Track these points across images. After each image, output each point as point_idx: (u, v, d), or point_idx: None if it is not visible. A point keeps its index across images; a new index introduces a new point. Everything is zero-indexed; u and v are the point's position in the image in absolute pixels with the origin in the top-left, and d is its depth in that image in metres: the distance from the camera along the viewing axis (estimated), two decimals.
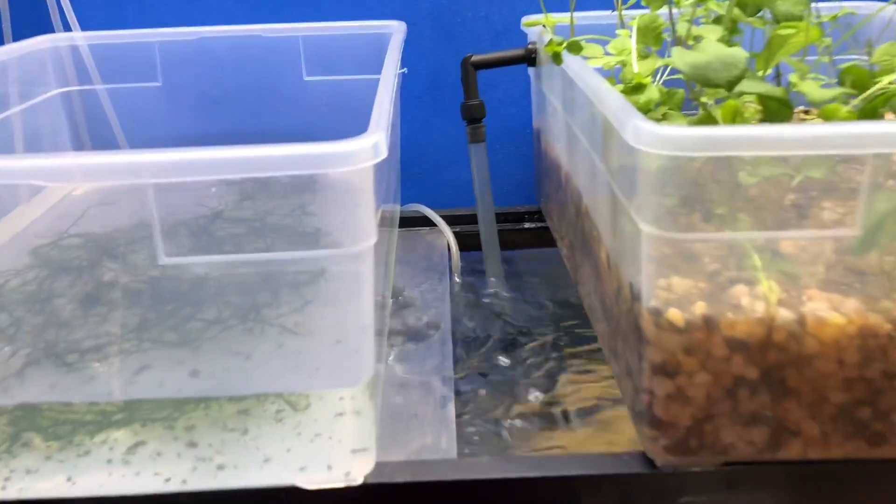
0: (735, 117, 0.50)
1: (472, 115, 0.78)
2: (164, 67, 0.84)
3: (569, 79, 0.61)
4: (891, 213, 0.42)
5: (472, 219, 0.83)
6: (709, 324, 0.43)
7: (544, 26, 0.74)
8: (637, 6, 0.63)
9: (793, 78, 0.50)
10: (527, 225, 0.90)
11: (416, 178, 0.94)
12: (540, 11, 0.77)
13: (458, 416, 0.57)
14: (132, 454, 0.47)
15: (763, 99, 0.49)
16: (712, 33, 0.51)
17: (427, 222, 0.87)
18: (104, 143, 0.87)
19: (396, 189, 0.86)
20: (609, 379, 0.63)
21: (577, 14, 0.72)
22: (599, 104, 0.49)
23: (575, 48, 0.60)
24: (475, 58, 0.77)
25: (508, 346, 0.70)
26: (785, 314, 0.43)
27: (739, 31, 0.58)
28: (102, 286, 0.56)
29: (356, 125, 0.52)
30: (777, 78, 0.67)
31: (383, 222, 0.64)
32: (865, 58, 0.61)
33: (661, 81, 0.68)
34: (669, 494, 0.47)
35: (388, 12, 0.87)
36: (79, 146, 0.87)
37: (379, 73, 0.61)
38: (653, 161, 0.42)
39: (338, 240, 0.44)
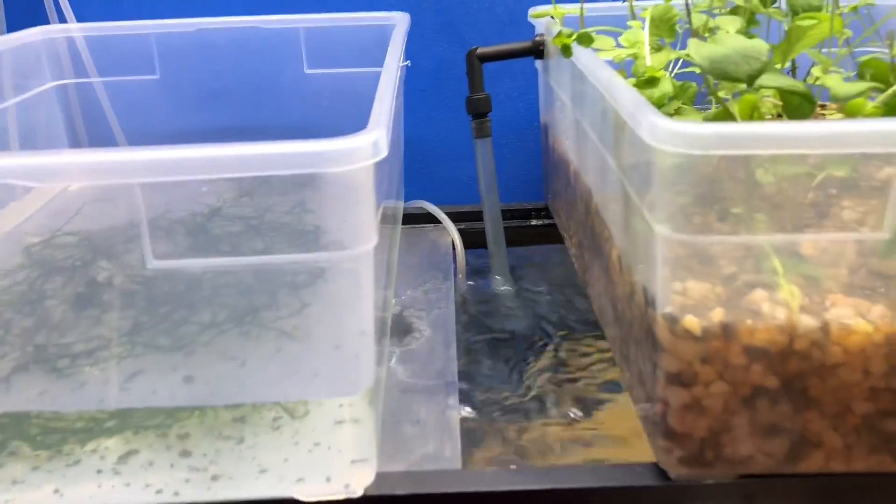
0: (753, 113, 0.48)
1: (478, 110, 0.76)
2: (161, 60, 0.82)
3: (578, 72, 0.59)
4: None
5: (478, 216, 0.81)
6: (727, 331, 0.41)
7: (553, 17, 0.71)
8: None
9: (816, 71, 0.47)
10: (534, 222, 0.88)
11: (419, 173, 0.92)
12: (548, 2, 0.75)
13: None
14: (123, 464, 0.45)
15: (784, 94, 0.46)
16: (731, 24, 0.49)
17: (431, 219, 0.85)
18: (101, 137, 0.85)
19: (399, 185, 0.84)
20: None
21: (587, 5, 0.69)
22: (612, 99, 0.47)
23: (585, 40, 0.58)
24: (480, 50, 0.75)
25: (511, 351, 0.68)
26: (807, 321, 0.41)
27: (758, 23, 0.56)
28: (95, 287, 0.54)
29: (359, 120, 0.50)
30: (793, 71, 0.64)
31: (385, 220, 0.62)
32: (885, 50, 0.58)
33: (673, 75, 0.66)
34: None
35: (392, 3, 0.85)
36: (75, 140, 0.85)
37: (381, 65, 0.58)
38: (668, 158, 0.40)
39: (336, 241, 0.42)
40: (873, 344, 0.41)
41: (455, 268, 0.80)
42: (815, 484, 0.44)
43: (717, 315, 0.41)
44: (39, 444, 0.46)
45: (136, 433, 0.47)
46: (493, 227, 0.79)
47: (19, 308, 0.53)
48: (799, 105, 0.46)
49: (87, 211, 0.71)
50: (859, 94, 0.44)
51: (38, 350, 0.49)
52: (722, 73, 0.42)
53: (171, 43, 0.82)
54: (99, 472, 0.45)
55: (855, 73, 0.53)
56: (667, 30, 0.55)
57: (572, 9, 0.70)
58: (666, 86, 0.54)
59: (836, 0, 0.52)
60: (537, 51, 0.75)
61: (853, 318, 0.41)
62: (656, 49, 0.55)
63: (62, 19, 0.83)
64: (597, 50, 0.59)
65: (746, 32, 0.53)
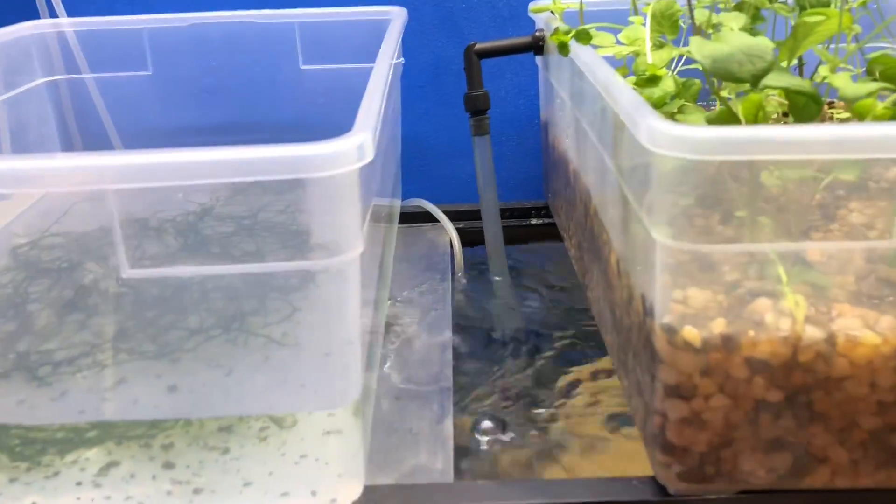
0: (758, 113, 0.46)
1: (476, 107, 0.75)
2: (154, 55, 0.81)
3: (577, 69, 0.57)
4: None
5: (476, 214, 0.80)
6: (728, 343, 0.39)
7: (552, 13, 0.69)
8: None
9: (823, 70, 0.45)
10: (534, 221, 0.87)
11: (417, 171, 0.90)
12: None
13: None
14: (104, 476, 0.44)
15: (790, 93, 0.44)
16: (734, 21, 0.47)
17: (429, 218, 0.83)
18: (93, 134, 0.83)
19: (396, 183, 0.83)
20: None
21: (587, 0, 0.67)
22: (610, 99, 0.45)
23: (583, 37, 0.56)
24: (479, 46, 0.73)
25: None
26: (812, 332, 0.39)
27: (763, 19, 0.54)
28: (80, 291, 0.53)
29: (354, 115, 0.48)
30: (800, 68, 0.63)
31: (379, 219, 0.60)
32: (895, 46, 0.57)
33: (676, 71, 0.64)
34: None
35: None
36: (67, 138, 0.84)
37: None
38: (667, 162, 0.38)
39: (322, 246, 0.40)
40: (881, 356, 0.39)
41: (453, 268, 0.78)
42: (820, 500, 0.43)
43: (719, 326, 0.40)
44: (18, 456, 0.45)
45: (118, 444, 0.45)
46: (491, 226, 0.78)
47: (2, 312, 0.52)
48: (805, 105, 0.45)
49: (76, 211, 0.70)
50: (868, 95, 0.42)
51: (20, 357, 0.48)
52: (725, 72, 0.40)
53: (164, 38, 0.80)
54: (79, 484, 0.44)
55: (864, 70, 0.51)
56: (669, 26, 0.53)
57: (573, 3, 0.68)
58: (668, 84, 0.52)
59: None
60: (537, 46, 0.74)
61: (860, 329, 0.39)
62: (658, 46, 0.53)
63: (52, 14, 0.82)
64: (596, 46, 0.57)
65: (751, 29, 0.51)
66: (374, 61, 0.58)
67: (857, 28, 0.55)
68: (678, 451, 0.42)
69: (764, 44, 0.40)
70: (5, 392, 0.46)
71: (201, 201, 0.66)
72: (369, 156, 0.37)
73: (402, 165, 0.88)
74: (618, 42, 0.56)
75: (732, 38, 0.41)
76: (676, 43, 0.55)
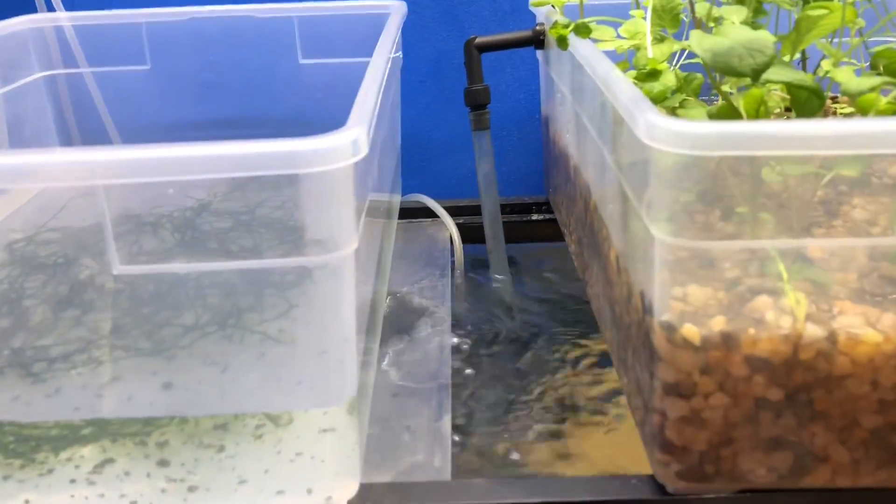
0: (759, 107, 0.45)
1: (476, 101, 0.74)
2: (152, 49, 0.80)
3: (577, 63, 0.56)
4: None
5: (477, 210, 0.79)
6: (728, 341, 0.39)
7: (553, 6, 0.69)
8: None
9: (825, 65, 0.45)
10: (534, 217, 0.86)
11: (417, 166, 0.90)
12: None
13: None
14: (98, 473, 0.44)
15: (792, 88, 0.44)
16: (735, 15, 0.46)
17: (429, 213, 0.83)
18: (91, 129, 0.83)
19: (396, 178, 0.82)
20: None
21: None
22: (609, 94, 0.44)
23: (583, 31, 0.56)
24: (479, 40, 0.73)
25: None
26: (813, 330, 0.39)
27: (765, 13, 0.53)
28: (76, 287, 0.52)
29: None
30: (803, 62, 0.62)
31: (376, 215, 0.60)
32: None
33: (678, 65, 0.64)
34: None
35: None
36: (65, 132, 0.83)
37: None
38: (666, 157, 0.38)
39: (316, 242, 0.40)
40: (883, 354, 0.39)
41: (453, 264, 0.78)
42: (820, 499, 0.42)
43: (718, 323, 0.39)
44: (12, 453, 0.45)
45: (113, 441, 0.45)
46: (491, 222, 0.78)
47: None
48: (807, 100, 0.44)
49: (72, 206, 0.69)
50: (871, 89, 0.42)
51: (14, 353, 0.48)
52: (726, 66, 0.40)
53: (162, 32, 0.80)
54: (73, 481, 0.43)
55: (868, 64, 0.50)
56: (670, 20, 0.53)
57: None
58: (668, 79, 0.52)
59: None
60: (538, 40, 0.73)
61: (862, 327, 0.39)
62: (659, 40, 0.53)
63: (50, 8, 0.81)
64: (596, 40, 0.56)
65: (752, 23, 0.51)
66: (373, 55, 0.58)
67: (861, 22, 0.55)
68: (677, 449, 0.41)
69: (765, 38, 0.40)
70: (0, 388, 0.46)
71: (199, 197, 0.66)
72: (364, 151, 0.36)
73: (402, 160, 0.88)
74: (618, 36, 0.55)
75: (733, 32, 0.41)
76: (678, 37, 0.54)
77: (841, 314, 0.40)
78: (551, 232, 0.82)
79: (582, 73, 0.55)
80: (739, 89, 0.50)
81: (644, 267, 0.42)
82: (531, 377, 0.64)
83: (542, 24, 0.72)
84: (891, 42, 0.54)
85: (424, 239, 0.81)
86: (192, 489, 0.43)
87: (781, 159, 0.40)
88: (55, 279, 0.55)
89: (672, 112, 0.51)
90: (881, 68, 0.49)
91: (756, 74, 0.39)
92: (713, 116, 0.48)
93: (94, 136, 0.83)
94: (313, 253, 0.39)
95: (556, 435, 0.57)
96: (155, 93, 0.83)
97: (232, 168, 0.34)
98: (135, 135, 0.84)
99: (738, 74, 0.39)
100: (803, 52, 0.61)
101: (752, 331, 0.39)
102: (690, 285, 0.41)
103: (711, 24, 0.51)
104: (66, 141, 0.84)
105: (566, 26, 0.58)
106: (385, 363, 0.60)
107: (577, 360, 0.66)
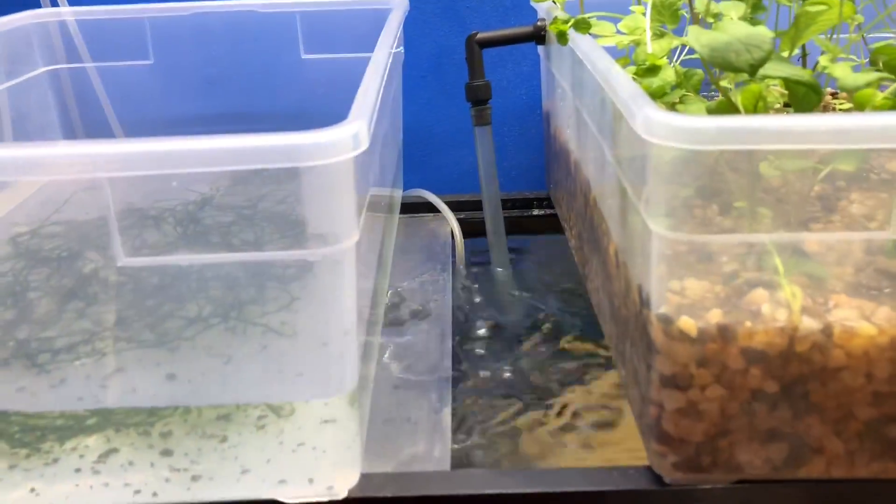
0: (758, 103, 0.46)
1: (478, 97, 0.75)
2: (155, 44, 0.81)
3: (577, 59, 0.57)
4: None
5: (478, 205, 0.80)
6: (724, 334, 0.39)
7: (554, 2, 0.69)
8: None
9: (823, 60, 0.45)
10: (535, 212, 0.87)
11: (419, 161, 0.90)
12: None
13: None
14: (102, 463, 0.44)
15: (789, 83, 0.44)
16: (734, 10, 0.47)
17: (430, 208, 0.83)
18: (95, 123, 0.84)
19: (397, 173, 0.83)
20: None
21: None
22: (608, 89, 0.45)
23: (582, 27, 0.56)
24: (480, 35, 0.73)
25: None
26: (809, 323, 0.39)
27: (764, 8, 0.53)
28: (80, 279, 0.53)
29: None
30: (803, 58, 0.62)
31: (377, 209, 0.60)
32: None
33: (678, 61, 0.64)
34: None
35: None
36: (69, 127, 0.84)
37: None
38: (665, 152, 0.38)
39: (317, 235, 0.40)
40: (877, 347, 0.39)
41: (454, 258, 0.78)
42: (816, 490, 0.43)
43: (715, 316, 0.40)
44: (17, 442, 0.45)
45: (117, 431, 0.46)
46: (492, 216, 0.78)
47: (2, 300, 0.52)
48: (804, 95, 0.44)
49: (77, 199, 0.70)
50: (868, 85, 0.42)
51: (19, 344, 0.48)
52: (723, 62, 0.40)
53: (165, 27, 0.80)
54: (77, 470, 0.44)
55: (868, 60, 0.51)
56: (669, 15, 0.53)
57: None
58: (668, 74, 0.52)
59: None
60: (539, 36, 0.73)
61: (857, 320, 0.39)
62: (658, 35, 0.53)
63: (54, 3, 0.82)
64: (597, 36, 0.57)
65: (751, 18, 0.51)
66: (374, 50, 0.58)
67: (860, 18, 0.55)
68: (674, 441, 0.42)
69: (762, 33, 0.40)
70: (5, 379, 0.47)
71: (201, 191, 0.66)
72: (364, 144, 0.36)
73: (404, 156, 0.88)
74: (618, 31, 0.55)
75: (731, 28, 0.41)
76: (678, 32, 0.54)
77: (836, 307, 0.40)
78: (552, 226, 0.82)
79: (582, 68, 0.55)
80: (737, 85, 0.50)
81: (642, 261, 0.43)
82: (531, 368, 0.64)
83: (544, 19, 0.73)
84: (890, 38, 0.55)
85: (426, 233, 0.82)
86: (195, 478, 0.44)
87: (779, 154, 0.40)
88: (59, 272, 0.56)
89: (672, 107, 0.52)
90: (881, 64, 0.49)
91: (753, 70, 0.39)
92: (711, 112, 0.49)
93: (97, 130, 0.84)
94: (315, 246, 0.39)
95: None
96: (157, 87, 0.83)
97: (234, 161, 0.35)
98: (137, 129, 0.84)
99: (736, 70, 0.40)
100: (803, 48, 0.62)
101: (748, 323, 0.39)
102: (688, 279, 0.41)
103: (710, 20, 0.51)
104: (70, 135, 0.84)
105: (566, 22, 0.58)
106: (386, 356, 0.61)
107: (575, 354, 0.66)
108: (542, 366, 0.63)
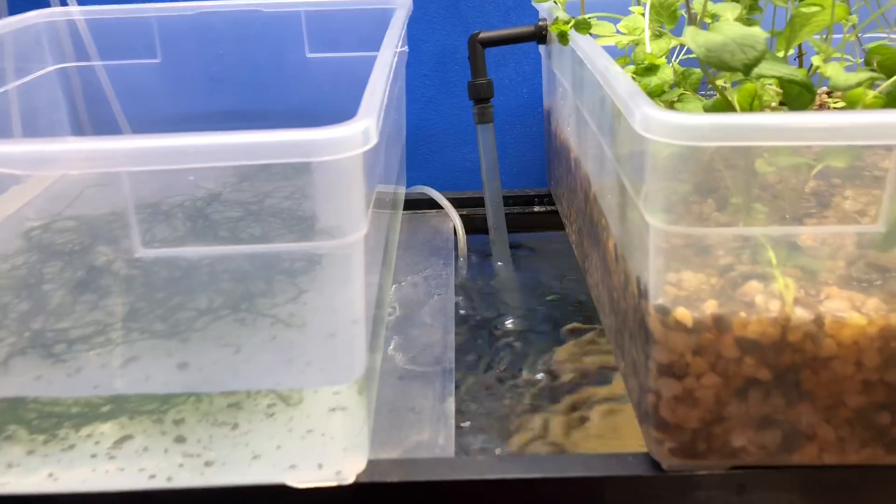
0: (753, 101, 0.47)
1: (480, 95, 0.76)
2: (163, 43, 0.82)
3: (578, 58, 0.58)
4: None
5: (480, 202, 0.81)
6: (719, 324, 0.41)
7: (555, 2, 0.70)
8: None
9: (815, 60, 0.47)
10: (536, 208, 0.88)
11: (422, 159, 0.92)
12: None
13: None
14: (118, 449, 0.46)
15: (783, 82, 0.46)
16: (730, 11, 0.48)
17: (433, 205, 0.85)
18: (103, 121, 0.85)
19: (401, 170, 0.84)
20: None
21: None
22: (607, 87, 0.46)
23: (583, 27, 0.57)
24: (483, 35, 0.74)
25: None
26: (801, 314, 0.41)
27: (760, 9, 0.55)
28: (93, 272, 0.54)
29: (360, 103, 0.49)
30: (800, 58, 0.64)
31: (382, 206, 0.62)
32: (894, 35, 0.57)
33: (677, 60, 0.65)
34: (675, 498, 0.45)
35: None
36: (77, 124, 0.85)
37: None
38: (662, 149, 0.39)
39: (327, 229, 0.42)
40: (867, 337, 0.41)
41: (456, 254, 0.80)
42: (808, 476, 0.44)
43: (710, 307, 0.41)
44: (35, 429, 0.47)
45: (131, 418, 0.47)
46: (494, 213, 0.79)
47: (17, 292, 0.54)
48: (798, 94, 0.46)
49: (87, 195, 0.71)
50: (858, 84, 0.43)
51: (36, 335, 0.50)
52: (718, 61, 0.41)
53: (173, 26, 0.82)
54: (93, 456, 0.45)
55: (863, 59, 0.52)
56: (668, 15, 0.54)
57: None
58: (666, 73, 0.54)
59: None
60: (540, 35, 0.75)
61: (847, 310, 0.41)
62: (657, 35, 0.55)
63: (63, 2, 0.83)
64: (597, 36, 0.58)
65: (747, 19, 0.53)
66: (379, 49, 0.59)
67: (854, 18, 0.56)
68: (671, 427, 0.43)
69: (756, 34, 0.41)
70: (22, 368, 0.48)
71: (209, 187, 0.68)
72: (373, 140, 0.38)
73: (407, 153, 0.90)
74: (618, 31, 0.57)
75: (726, 28, 0.42)
76: (676, 33, 0.56)
77: (828, 299, 0.41)
78: (552, 223, 0.83)
79: (582, 67, 0.56)
80: (734, 84, 0.52)
81: (641, 254, 0.44)
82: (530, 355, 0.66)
83: (545, 19, 0.74)
84: (884, 38, 0.56)
85: (429, 229, 0.83)
86: (208, 464, 0.45)
87: (773, 150, 0.42)
88: (72, 265, 0.57)
89: (670, 105, 0.53)
90: (875, 64, 0.50)
91: (747, 69, 0.41)
92: (708, 110, 0.50)
93: (105, 127, 0.85)
94: (324, 238, 0.41)
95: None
96: (165, 85, 0.84)
97: (249, 156, 0.36)
98: (145, 126, 0.86)
99: (731, 69, 0.41)
100: (800, 48, 0.63)
101: (742, 314, 0.41)
102: (684, 271, 0.43)
103: (708, 20, 0.52)
104: (78, 132, 0.86)
105: (567, 22, 0.59)
106: (391, 348, 0.62)
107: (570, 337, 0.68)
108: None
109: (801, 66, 0.62)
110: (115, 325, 0.50)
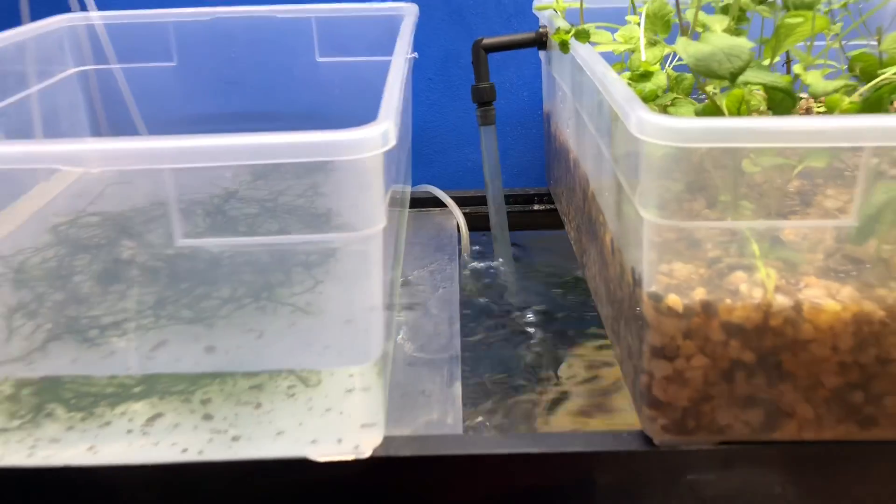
0: (741, 106, 0.51)
1: (483, 98, 0.79)
2: (178, 47, 0.85)
3: (577, 65, 0.62)
4: (887, 203, 0.43)
5: (482, 200, 0.84)
6: (707, 309, 0.45)
7: (555, 10, 0.74)
8: None
9: (797, 68, 0.50)
10: (536, 207, 0.91)
11: (426, 159, 0.95)
12: None
13: None
14: (150, 426, 0.49)
15: (767, 89, 0.49)
16: (718, 23, 0.52)
17: (438, 203, 0.88)
18: (120, 121, 0.88)
19: (407, 170, 0.88)
20: None
21: None
22: (605, 93, 0.50)
23: (583, 36, 0.61)
24: (486, 41, 0.78)
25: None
26: (782, 300, 0.44)
27: (748, 20, 0.58)
28: (120, 264, 0.58)
29: (367, 106, 0.53)
30: (787, 64, 0.67)
31: (393, 203, 0.65)
32: (874, 43, 0.61)
33: (671, 65, 0.69)
34: (667, 471, 0.49)
35: None
36: (95, 125, 0.88)
37: (390, 54, 0.62)
38: (656, 150, 0.43)
39: (348, 223, 0.46)
40: (842, 322, 0.44)
41: (460, 250, 0.83)
42: (789, 451, 0.48)
43: (699, 294, 0.45)
44: (73, 407, 0.50)
45: (161, 398, 0.51)
46: (496, 211, 0.83)
47: (51, 283, 0.57)
48: (781, 100, 0.50)
49: (108, 193, 0.75)
50: (835, 91, 0.47)
51: (70, 321, 0.53)
52: (707, 70, 0.45)
53: (188, 31, 0.85)
54: (129, 432, 0.49)
55: (847, 67, 0.56)
56: (661, 25, 0.58)
57: (574, 2, 0.73)
58: (660, 79, 0.57)
59: None
60: (541, 42, 0.78)
61: (824, 298, 0.44)
62: (651, 44, 0.58)
63: (83, 7, 0.86)
64: (595, 44, 0.62)
65: (736, 29, 0.56)
66: (386, 54, 0.63)
67: (837, 27, 0.60)
68: (663, 406, 0.47)
69: (742, 45, 0.45)
70: (59, 352, 0.52)
71: (225, 186, 0.72)
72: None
73: (413, 153, 0.93)
74: (615, 40, 0.61)
75: (714, 39, 0.46)
76: (670, 41, 0.59)
77: (807, 287, 0.45)
78: (552, 221, 0.87)
79: (581, 73, 0.60)
80: (723, 90, 0.55)
81: (636, 247, 0.48)
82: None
83: (545, 26, 0.78)
84: (867, 45, 0.60)
85: (433, 227, 0.87)
86: (235, 439, 0.49)
87: (758, 151, 0.45)
88: (99, 257, 0.61)
89: (664, 109, 0.57)
90: (858, 70, 0.54)
91: (733, 77, 0.44)
92: (699, 114, 0.54)
93: (121, 127, 0.88)
94: (347, 230, 0.44)
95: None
96: (180, 87, 0.87)
97: (281, 155, 0.40)
98: (160, 127, 0.89)
99: (718, 77, 0.45)
100: (788, 55, 0.67)
101: (728, 301, 0.45)
102: (676, 262, 0.46)
103: (699, 29, 0.56)
104: (96, 133, 0.89)
105: (568, 32, 0.63)
106: (400, 337, 0.66)
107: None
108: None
109: (788, 72, 0.66)
110: (146, 312, 0.53)
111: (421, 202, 0.89)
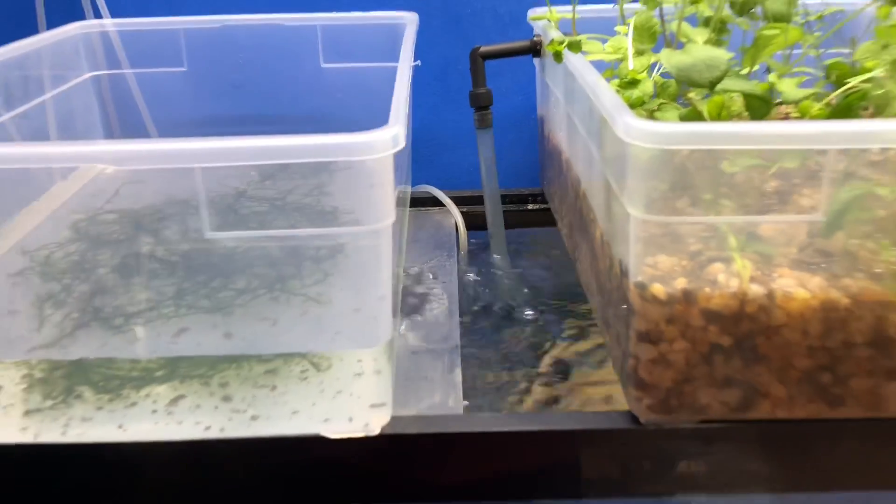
0: (721, 111, 0.55)
1: (480, 103, 0.82)
2: (189, 53, 0.89)
3: (569, 72, 0.66)
4: (852, 200, 0.47)
5: (479, 200, 0.87)
6: (688, 297, 0.49)
7: (549, 20, 0.78)
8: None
9: (771, 77, 0.55)
10: (530, 206, 0.94)
11: (426, 160, 0.98)
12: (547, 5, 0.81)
13: None
14: (174, 406, 0.53)
15: (745, 96, 0.54)
16: (700, 35, 0.56)
17: (436, 202, 0.91)
18: (132, 125, 0.91)
19: (408, 171, 0.92)
20: None
21: (580, 8, 0.76)
22: (595, 99, 0.54)
23: (575, 47, 0.65)
24: (483, 48, 0.81)
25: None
26: (756, 289, 0.49)
27: (728, 31, 0.63)
28: (140, 258, 0.62)
29: (370, 110, 0.57)
30: (768, 72, 0.72)
31: (398, 202, 0.70)
32: (846, 51, 0.65)
33: (658, 72, 0.73)
34: (652, 447, 0.53)
35: (402, 3, 0.91)
36: (108, 128, 0.92)
37: (392, 60, 0.65)
38: (642, 152, 0.47)
39: (360, 218, 0.50)
40: (811, 309, 0.48)
41: (458, 247, 0.87)
42: (764, 429, 0.52)
43: (681, 283, 0.49)
44: (101, 389, 0.54)
45: (182, 382, 0.54)
46: (492, 210, 0.86)
47: (75, 275, 0.61)
48: (758, 106, 0.54)
49: (123, 191, 0.79)
50: (805, 98, 0.51)
51: (97, 311, 0.57)
52: (688, 79, 0.49)
53: (198, 37, 0.88)
54: (154, 412, 0.53)
55: (823, 75, 0.60)
56: (648, 36, 0.62)
57: (568, 13, 0.77)
58: (647, 87, 0.61)
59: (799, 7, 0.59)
60: (535, 50, 0.82)
61: (795, 287, 0.49)
62: (639, 53, 0.63)
63: (98, 15, 0.90)
64: (586, 53, 0.66)
65: (717, 40, 0.61)
66: (388, 60, 0.67)
67: (812, 38, 0.64)
68: (648, 387, 0.51)
69: (720, 56, 0.50)
70: (88, 339, 0.55)
71: (235, 185, 0.75)
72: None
73: (413, 155, 0.97)
74: (605, 50, 0.65)
75: (695, 51, 0.50)
76: (657, 50, 0.64)
77: (780, 277, 0.49)
78: (545, 219, 0.91)
79: (573, 81, 0.64)
80: (705, 96, 0.60)
81: (623, 241, 0.52)
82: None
83: (539, 35, 0.82)
84: (844, 54, 0.64)
85: (432, 225, 0.90)
86: (254, 418, 0.53)
87: (736, 153, 0.49)
88: (119, 252, 0.65)
89: (650, 114, 0.61)
90: (833, 78, 0.58)
91: (712, 86, 0.49)
92: (683, 119, 0.58)
93: (133, 130, 0.92)
94: (358, 225, 0.49)
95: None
96: (190, 92, 0.91)
97: (302, 155, 0.44)
98: (170, 130, 0.93)
99: (699, 86, 0.49)
100: (767, 64, 0.71)
101: (707, 289, 0.49)
102: (660, 255, 0.51)
103: (684, 40, 0.60)
104: (109, 135, 0.93)
105: (561, 42, 0.67)
106: (403, 328, 0.70)
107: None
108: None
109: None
110: (167, 303, 0.57)
111: (421, 202, 0.92)
